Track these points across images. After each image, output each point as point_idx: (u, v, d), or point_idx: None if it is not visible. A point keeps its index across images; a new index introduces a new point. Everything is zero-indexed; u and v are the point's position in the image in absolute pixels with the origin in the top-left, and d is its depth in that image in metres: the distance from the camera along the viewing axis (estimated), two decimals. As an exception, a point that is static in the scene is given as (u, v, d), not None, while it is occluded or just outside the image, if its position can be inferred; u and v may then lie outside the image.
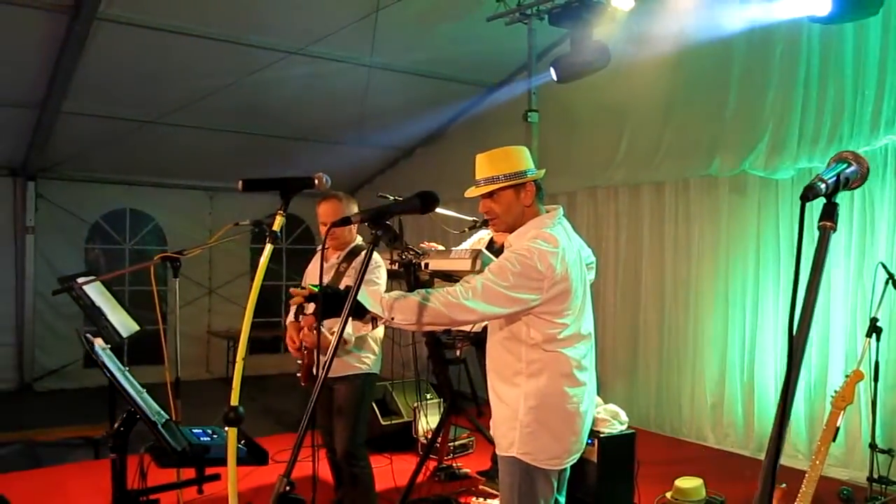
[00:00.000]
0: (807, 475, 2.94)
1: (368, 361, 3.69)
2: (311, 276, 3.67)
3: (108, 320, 3.53)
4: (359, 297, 2.18)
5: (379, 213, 2.14)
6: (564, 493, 2.75)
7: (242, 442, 2.42)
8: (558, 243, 2.44)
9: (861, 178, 1.41)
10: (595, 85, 6.14)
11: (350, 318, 2.18)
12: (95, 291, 3.58)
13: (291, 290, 2.29)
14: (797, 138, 5.61)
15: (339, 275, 3.61)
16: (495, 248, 4.53)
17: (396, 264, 3.95)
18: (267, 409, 7.74)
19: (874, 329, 3.95)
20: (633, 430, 4.32)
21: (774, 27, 5.50)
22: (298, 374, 3.59)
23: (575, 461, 2.64)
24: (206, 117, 7.61)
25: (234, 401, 1.95)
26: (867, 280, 5.19)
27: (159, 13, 5.96)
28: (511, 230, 2.60)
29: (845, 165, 1.39)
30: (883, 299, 4.17)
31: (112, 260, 9.02)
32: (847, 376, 3.18)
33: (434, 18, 6.60)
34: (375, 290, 2.49)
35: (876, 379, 4.15)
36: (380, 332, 3.76)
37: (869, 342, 3.94)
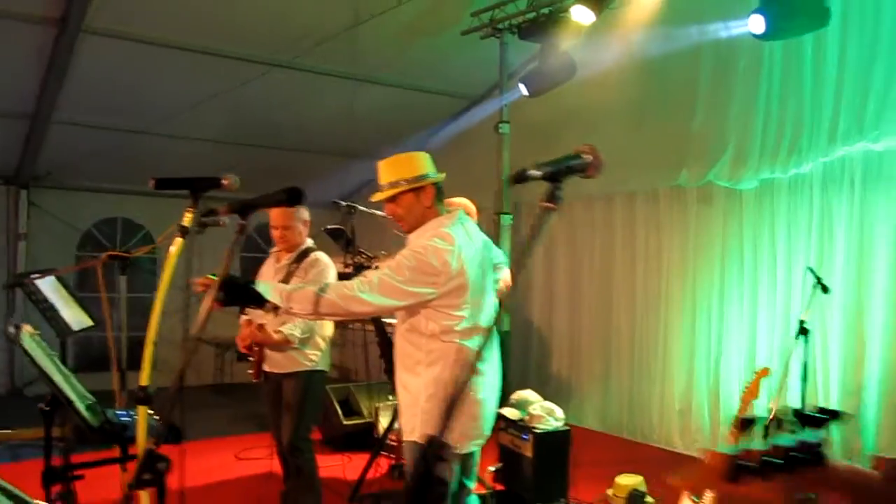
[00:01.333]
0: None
1: (315, 358, 3.86)
2: (264, 277, 3.85)
3: (60, 315, 3.70)
4: (259, 288, 2.35)
5: (245, 205, 2.22)
6: (474, 478, 2.91)
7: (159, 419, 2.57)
8: (454, 241, 2.62)
9: (594, 168, 1.57)
10: (569, 97, 6.34)
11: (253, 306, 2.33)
12: (50, 288, 3.75)
13: (192, 279, 2.46)
14: (759, 150, 5.77)
15: (289, 275, 3.79)
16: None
17: (351, 267, 4.12)
18: (252, 413, 7.89)
19: (802, 331, 4.09)
20: (568, 427, 4.46)
21: (738, 43, 5.67)
22: (250, 371, 3.77)
23: (479, 446, 2.80)
24: (195, 128, 7.82)
25: (144, 381, 2.10)
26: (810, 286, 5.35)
27: (146, 26, 6.17)
28: (413, 230, 2.77)
29: (572, 158, 1.56)
30: (811, 302, 4.31)
31: (104, 268, 9.18)
32: (755, 372, 3.33)
33: (415, 32, 6.80)
34: (274, 283, 2.66)
35: (804, 379, 4.28)
36: (328, 330, 3.93)
37: (797, 343, 4.07)
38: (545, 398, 7.55)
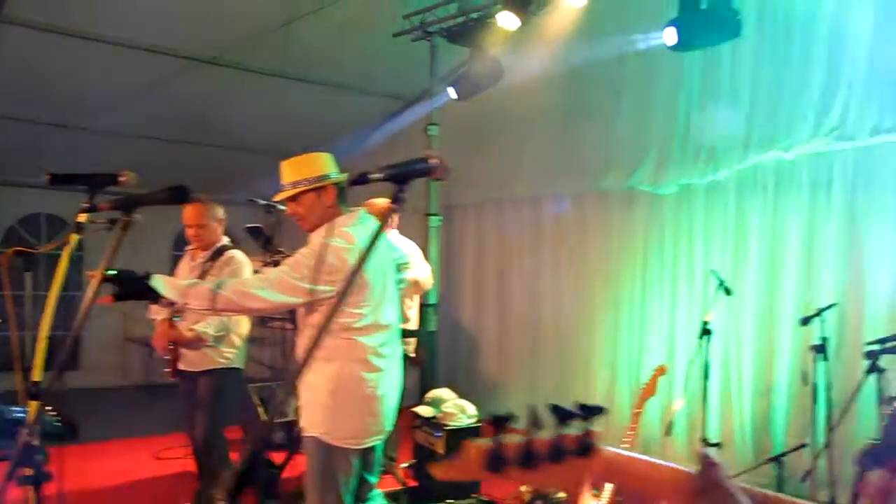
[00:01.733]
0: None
1: (230, 356, 3.86)
2: (181, 275, 3.84)
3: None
4: (154, 283, 2.36)
5: (128, 201, 2.22)
6: (377, 474, 2.96)
7: (56, 416, 2.55)
8: (354, 240, 2.68)
9: (440, 172, 1.64)
10: (499, 101, 6.45)
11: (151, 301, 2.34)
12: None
13: (88, 273, 2.46)
14: (679, 156, 5.96)
15: (204, 273, 3.79)
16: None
17: (270, 265, 4.12)
18: (177, 413, 7.81)
19: (705, 331, 4.25)
20: (479, 424, 4.54)
21: (660, 52, 5.83)
22: (167, 370, 3.75)
23: (379, 442, 2.85)
24: (124, 123, 7.68)
25: (37, 377, 2.09)
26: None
27: (70, 18, 6.04)
28: (315, 229, 2.82)
29: (417, 162, 1.63)
30: (714, 304, 4.49)
31: (28, 265, 8.95)
32: (653, 371, 3.45)
33: (348, 32, 6.80)
34: (173, 278, 2.68)
35: (706, 377, 4.45)
36: (244, 328, 3.93)
37: (700, 343, 4.23)
38: (473, 396, 7.66)
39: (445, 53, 6.64)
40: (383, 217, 1.67)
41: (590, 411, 0.95)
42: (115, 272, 2.33)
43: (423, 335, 6.21)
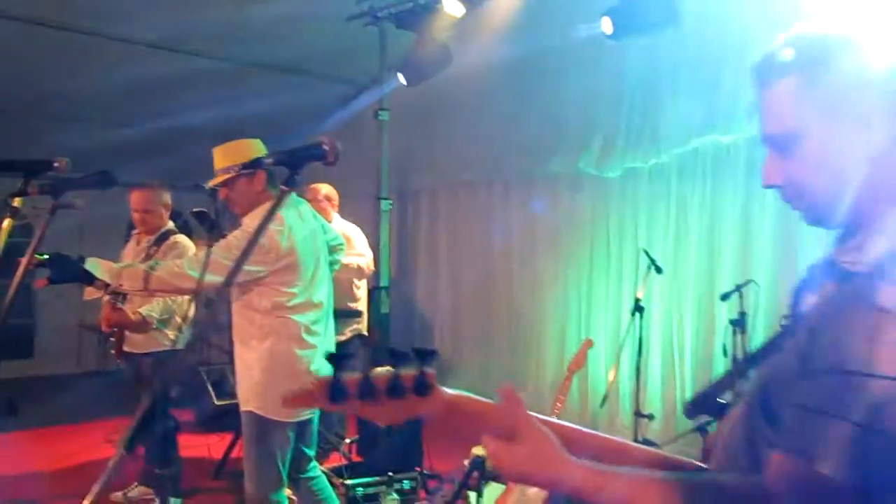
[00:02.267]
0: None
1: (174, 338, 3.94)
2: (126, 258, 3.90)
3: None
4: (87, 266, 2.45)
5: (56, 186, 2.22)
6: (314, 447, 3.09)
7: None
8: (284, 222, 2.80)
9: (331, 156, 1.76)
10: (450, 87, 6.54)
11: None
12: None
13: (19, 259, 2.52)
14: (624, 140, 6.11)
15: (148, 257, 3.86)
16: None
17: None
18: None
19: (637, 308, 4.42)
20: None
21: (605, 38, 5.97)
22: (112, 352, 3.82)
23: (315, 415, 2.97)
24: (78, 110, 7.64)
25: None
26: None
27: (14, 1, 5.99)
28: (247, 213, 2.93)
29: (310, 147, 1.74)
30: (647, 282, 4.68)
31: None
32: (581, 344, 3.61)
33: (302, 17, 6.82)
34: (107, 261, 2.75)
35: (640, 352, 4.64)
36: (190, 311, 4.02)
37: (633, 319, 4.40)
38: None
39: (397, 39, 6.70)
40: (278, 199, 1.77)
41: (423, 354, 1.06)
42: (46, 256, 2.40)
43: (375, 317, 6.33)
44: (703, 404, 1.44)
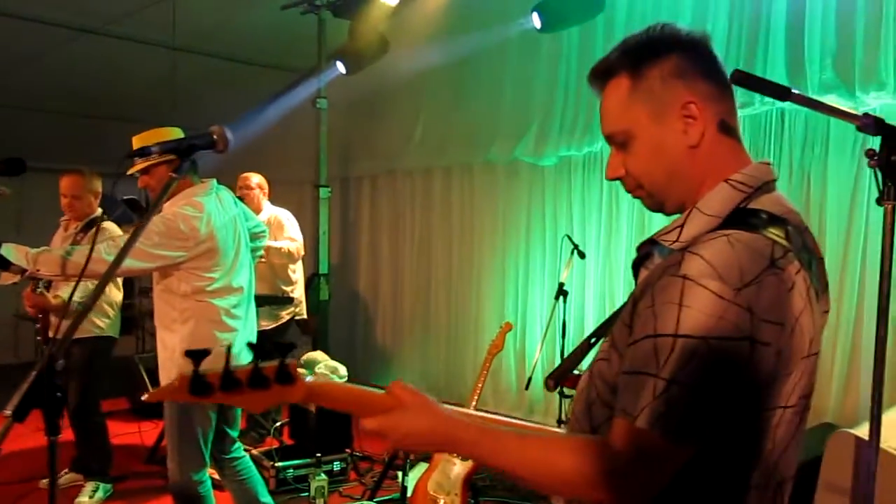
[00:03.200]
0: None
1: (102, 325, 3.96)
2: (54, 245, 3.89)
3: None
4: (2, 251, 2.46)
5: None
6: (237, 429, 3.15)
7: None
8: (203, 209, 2.85)
9: (220, 144, 1.84)
10: (391, 75, 6.59)
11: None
12: None
13: None
14: (559, 130, 6.23)
15: (76, 243, 3.84)
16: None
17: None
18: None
19: (561, 292, 4.56)
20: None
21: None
22: (38, 338, 3.81)
23: None
24: (8, 95, 7.49)
25: None
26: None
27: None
28: (168, 200, 2.97)
29: (200, 136, 1.81)
30: (570, 267, 4.82)
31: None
32: (500, 327, 3.73)
33: (237, 3, 6.80)
34: (23, 246, 2.76)
35: (564, 335, 4.78)
36: (117, 297, 4.02)
37: (556, 303, 4.54)
38: (371, 365, 7.89)
39: (335, 27, 6.73)
40: (165, 186, 1.83)
41: (282, 347, 1.15)
42: None
43: (314, 303, 6.38)
44: (562, 376, 1.55)
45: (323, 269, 6.55)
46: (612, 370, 1.18)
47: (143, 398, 1.16)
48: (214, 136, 1.88)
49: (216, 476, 3.23)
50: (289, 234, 5.07)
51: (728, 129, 1.23)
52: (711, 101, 1.22)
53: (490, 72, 6.70)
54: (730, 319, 1.03)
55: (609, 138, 1.29)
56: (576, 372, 1.64)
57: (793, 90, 1.32)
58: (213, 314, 2.90)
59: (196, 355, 1.12)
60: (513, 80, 6.55)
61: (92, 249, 2.12)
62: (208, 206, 2.91)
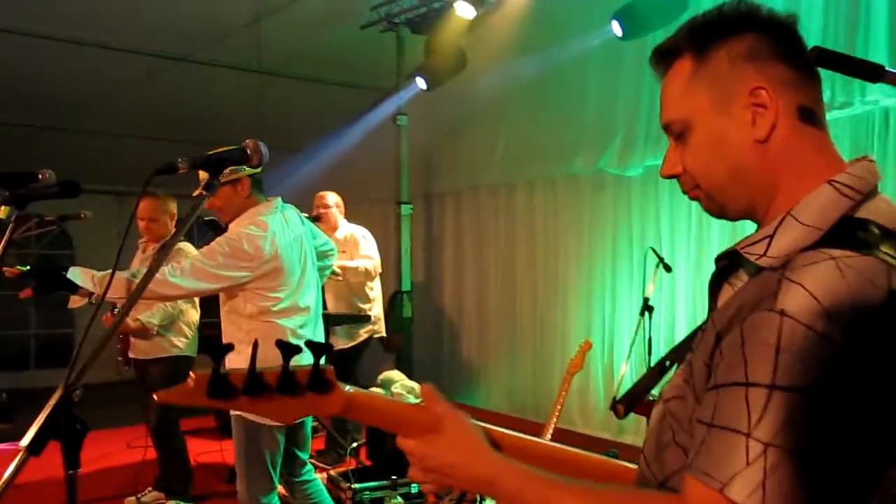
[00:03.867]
0: (543, 432, 3.29)
1: (180, 344, 4.01)
2: (133, 267, 3.97)
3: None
4: (70, 275, 2.49)
5: (20, 197, 2.23)
6: (307, 450, 3.09)
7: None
8: (268, 228, 2.82)
9: (255, 157, 1.74)
10: (471, 89, 6.55)
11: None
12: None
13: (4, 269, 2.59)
14: (644, 138, 6.01)
15: (153, 265, 3.91)
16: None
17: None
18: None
19: (647, 307, 4.33)
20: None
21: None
22: (119, 359, 3.90)
23: (307, 418, 2.98)
24: (110, 122, 7.84)
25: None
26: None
27: (42, 21, 6.17)
28: (233, 220, 2.95)
29: (233, 150, 1.72)
30: (655, 281, 4.59)
31: (18, 264, 9.18)
32: (580, 346, 3.55)
33: (319, 26, 6.89)
34: (90, 269, 2.78)
35: (649, 352, 4.54)
36: (194, 316, 4.07)
37: (641, 319, 4.31)
38: (453, 380, 7.79)
39: (413, 44, 6.73)
40: (194, 206, 1.77)
41: (317, 347, 1.04)
42: (28, 267, 2.46)
43: (397, 321, 6.34)
44: (633, 402, 1.38)
45: (406, 286, 6.52)
46: (688, 412, 1.01)
47: (154, 397, 1.05)
48: (248, 151, 1.82)
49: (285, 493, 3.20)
50: (365, 252, 5.03)
51: (812, 118, 1.03)
52: (790, 87, 1.02)
53: (572, 82, 6.54)
54: (840, 367, 0.84)
55: (666, 128, 1.13)
56: (651, 397, 1.47)
57: (887, 68, 1.11)
58: (280, 334, 2.86)
59: (217, 351, 1.02)
60: (596, 89, 6.37)
61: (148, 272, 2.09)
62: (273, 225, 2.89)
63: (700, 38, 1.08)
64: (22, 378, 8.79)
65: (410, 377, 5.98)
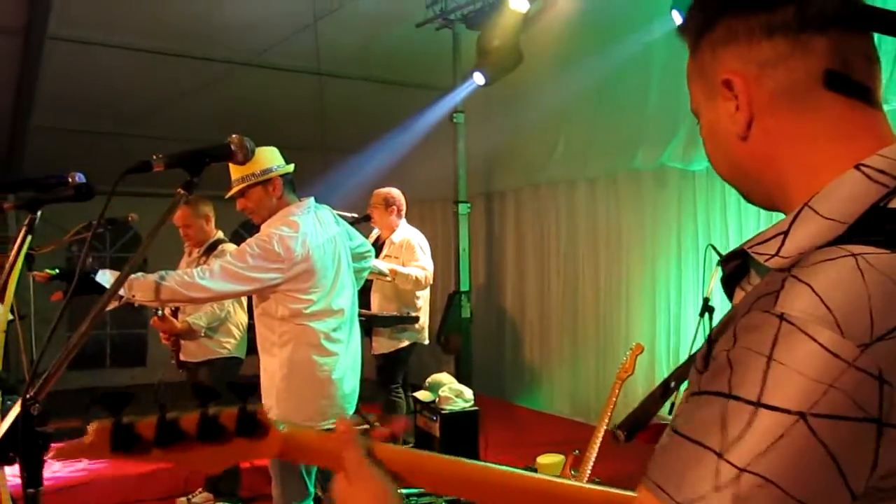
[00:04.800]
0: (591, 439, 3.14)
1: (229, 346, 4.01)
2: (180, 269, 4.00)
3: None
4: (98, 278, 2.48)
5: (32, 201, 2.21)
6: None
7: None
8: (300, 228, 2.76)
9: (240, 154, 1.67)
10: (531, 84, 6.41)
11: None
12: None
13: (34, 274, 2.61)
14: (709, 131, 5.76)
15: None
16: (379, 243, 4.84)
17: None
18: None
19: (706, 308, 4.09)
20: (476, 408, 4.55)
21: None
22: (172, 361, 3.94)
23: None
24: (176, 128, 8.00)
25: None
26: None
27: (112, 32, 6.34)
28: (266, 221, 2.91)
29: (215, 148, 1.65)
30: (714, 280, 4.32)
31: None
32: (630, 349, 3.38)
33: (375, 25, 6.88)
34: (116, 272, 2.76)
35: (709, 354, 4.29)
36: (243, 317, 4.07)
37: (701, 321, 4.08)
38: (518, 385, 7.65)
39: (469, 42, 6.63)
40: (172, 205, 1.70)
41: (240, 389, 0.91)
42: (57, 270, 2.47)
43: (454, 322, 6.25)
44: (635, 427, 1.24)
45: (464, 286, 6.43)
46: None
47: (48, 457, 0.95)
48: (233, 147, 1.76)
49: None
50: (419, 261, 4.80)
51: (840, 85, 0.83)
52: (780, 64, 0.85)
53: (633, 75, 6.33)
54: (846, 390, 0.67)
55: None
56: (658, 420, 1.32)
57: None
58: (312, 338, 2.81)
59: (110, 400, 0.86)
60: (658, 82, 6.15)
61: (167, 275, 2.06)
62: (304, 226, 2.84)
63: (690, 30, 0.98)
64: (98, 376, 9.07)
65: (469, 379, 5.87)
